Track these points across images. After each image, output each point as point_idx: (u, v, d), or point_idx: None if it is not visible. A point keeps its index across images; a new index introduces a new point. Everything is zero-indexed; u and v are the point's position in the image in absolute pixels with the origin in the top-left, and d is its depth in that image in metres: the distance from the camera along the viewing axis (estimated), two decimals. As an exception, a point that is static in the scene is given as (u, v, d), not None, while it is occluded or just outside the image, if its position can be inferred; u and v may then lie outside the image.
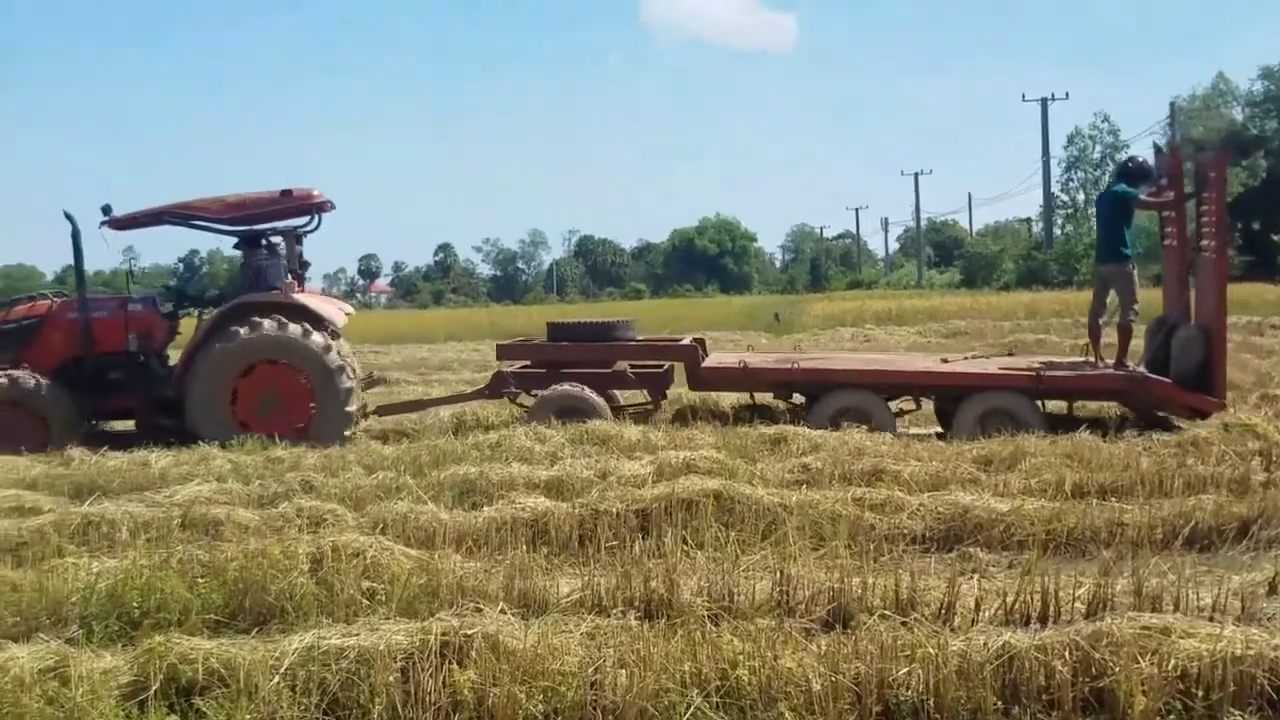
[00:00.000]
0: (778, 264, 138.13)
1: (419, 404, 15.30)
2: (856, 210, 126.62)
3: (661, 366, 14.37)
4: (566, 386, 13.30)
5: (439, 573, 6.56)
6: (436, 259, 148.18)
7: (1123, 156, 14.71)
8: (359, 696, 4.94)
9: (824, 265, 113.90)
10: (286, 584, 6.28)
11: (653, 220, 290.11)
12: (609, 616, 5.86)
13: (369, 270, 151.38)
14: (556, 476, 9.41)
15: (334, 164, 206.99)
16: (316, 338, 13.34)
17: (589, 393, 13.25)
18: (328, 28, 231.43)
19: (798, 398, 13.72)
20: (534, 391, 13.78)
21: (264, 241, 14.40)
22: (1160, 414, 12.88)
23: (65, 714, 4.59)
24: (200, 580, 6.46)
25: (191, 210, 14.21)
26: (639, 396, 14.36)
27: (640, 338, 15.03)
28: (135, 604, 6.18)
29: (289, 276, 14.14)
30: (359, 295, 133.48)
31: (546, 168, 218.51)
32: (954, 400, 12.83)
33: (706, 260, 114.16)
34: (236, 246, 14.60)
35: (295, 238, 14.85)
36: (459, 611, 5.58)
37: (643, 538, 7.52)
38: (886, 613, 5.71)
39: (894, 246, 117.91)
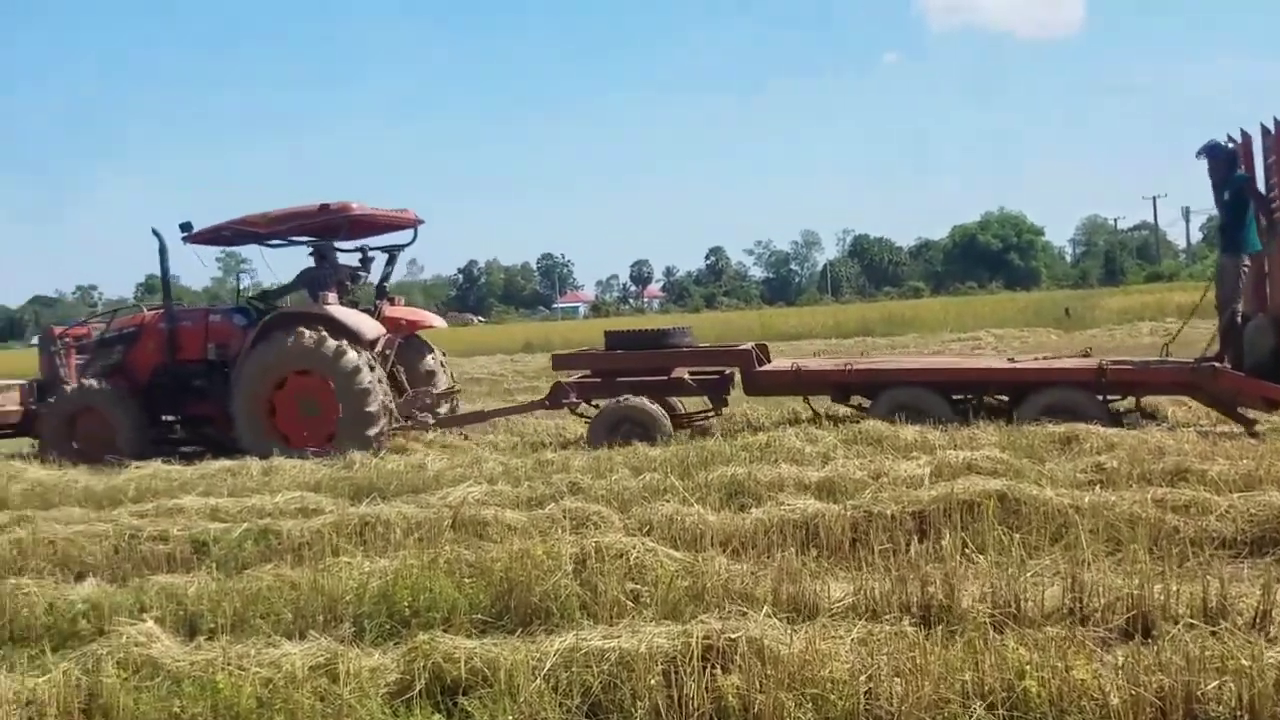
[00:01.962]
0: (1068, 258, 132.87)
1: (481, 415, 15.61)
2: (1154, 199, 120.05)
3: (720, 373, 14.20)
4: (628, 398, 13.42)
5: (704, 575, 6.47)
6: (708, 262, 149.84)
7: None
8: (620, 699, 4.88)
9: (1119, 258, 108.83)
10: (551, 585, 6.31)
11: (931, 217, 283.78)
12: (882, 622, 5.62)
13: (640, 276, 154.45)
14: (828, 477, 9.19)
15: (603, 170, 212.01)
16: (331, 343, 13.74)
17: (649, 404, 13.35)
18: (594, 33, 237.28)
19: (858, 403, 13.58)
20: (594, 402, 13.96)
21: (319, 254, 15.16)
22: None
23: (334, 711, 4.70)
24: (467, 580, 6.57)
25: (245, 225, 14.93)
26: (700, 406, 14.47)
27: (702, 345, 15.07)
28: (405, 603, 6.34)
29: (334, 290, 14.84)
30: (631, 301, 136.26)
31: (818, 167, 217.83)
32: (1016, 397, 12.72)
33: (990, 256, 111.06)
34: (311, 255, 15.33)
35: (389, 255, 15.96)
36: (724, 615, 5.47)
37: (919, 541, 7.23)
38: (1193, 621, 5.27)
39: (1196, 236, 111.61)
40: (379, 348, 14.76)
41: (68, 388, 14.82)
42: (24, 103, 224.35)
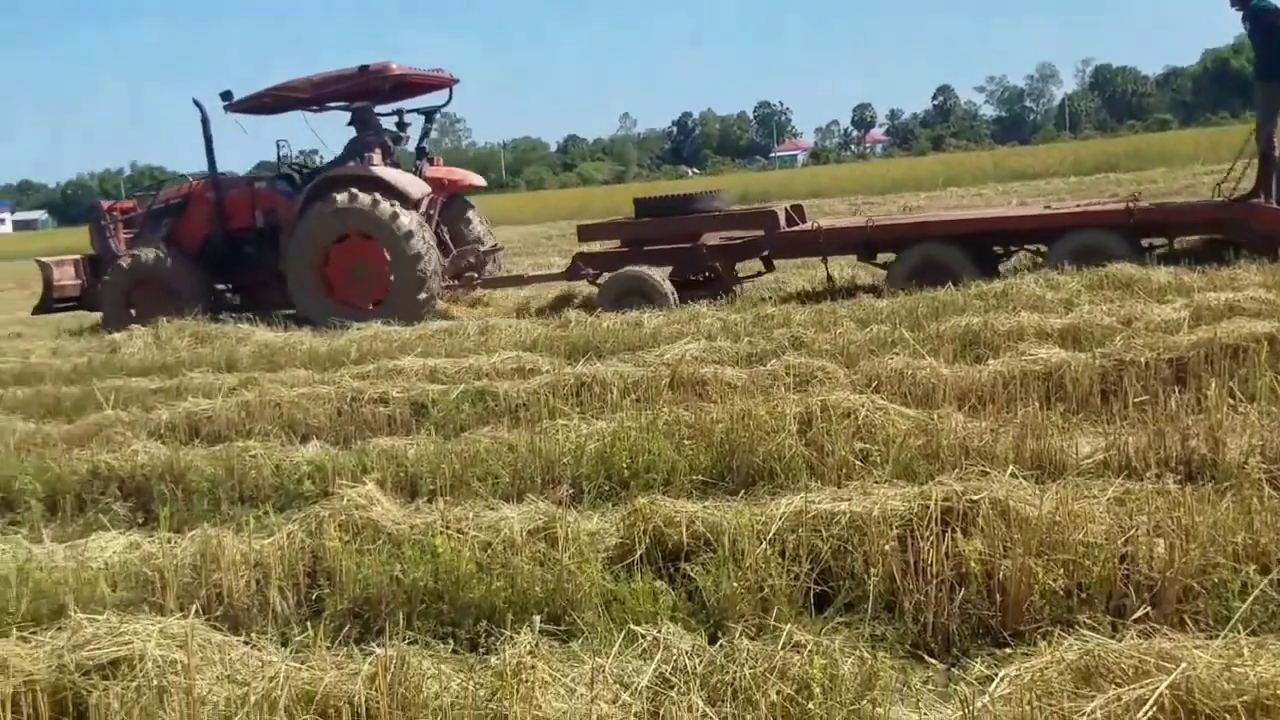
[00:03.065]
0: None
1: (519, 279, 15.70)
2: None
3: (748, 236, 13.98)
4: (630, 268, 13.46)
5: (939, 433, 6.21)
6: (935, 103, 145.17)
7: None
8: (852, 565, 4.70)
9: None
10: (774, 445, 6.15)
11: (1180, 42, 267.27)
12: (1140, 481, 5.27)
13: (863, 120, 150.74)
14: (1072, 324, 8.72)
15: (822, 10, 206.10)
16: (385, 207, 14.03)
17: (651, 272, 13.33)
18: None
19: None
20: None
21: (360, 118, 15.39)
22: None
23: (554, 576, 4.66)
24: (687, 441, 6.46)
25: (287, 90, 15.47)
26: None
27: (731, 208, 14.83)
28: (624, 465, 6.27)
29: (379, 151, 15.04)
30: (853, 147, 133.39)
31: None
32: (1047, 244, 12.47)
33: (1246, 83, 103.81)
34: (349, 124, 15.51)
35: (428, 116, 16.21)
36: (962, 475, 5.21)
37: (1179, 391, 6.75)
38: None
39: None
40: (424, 208, 15.10)
41: (124, 261, 15.60)
42: None
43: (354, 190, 14.24)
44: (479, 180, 17.40)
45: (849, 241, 13.53)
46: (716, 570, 4.67)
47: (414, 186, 14.80)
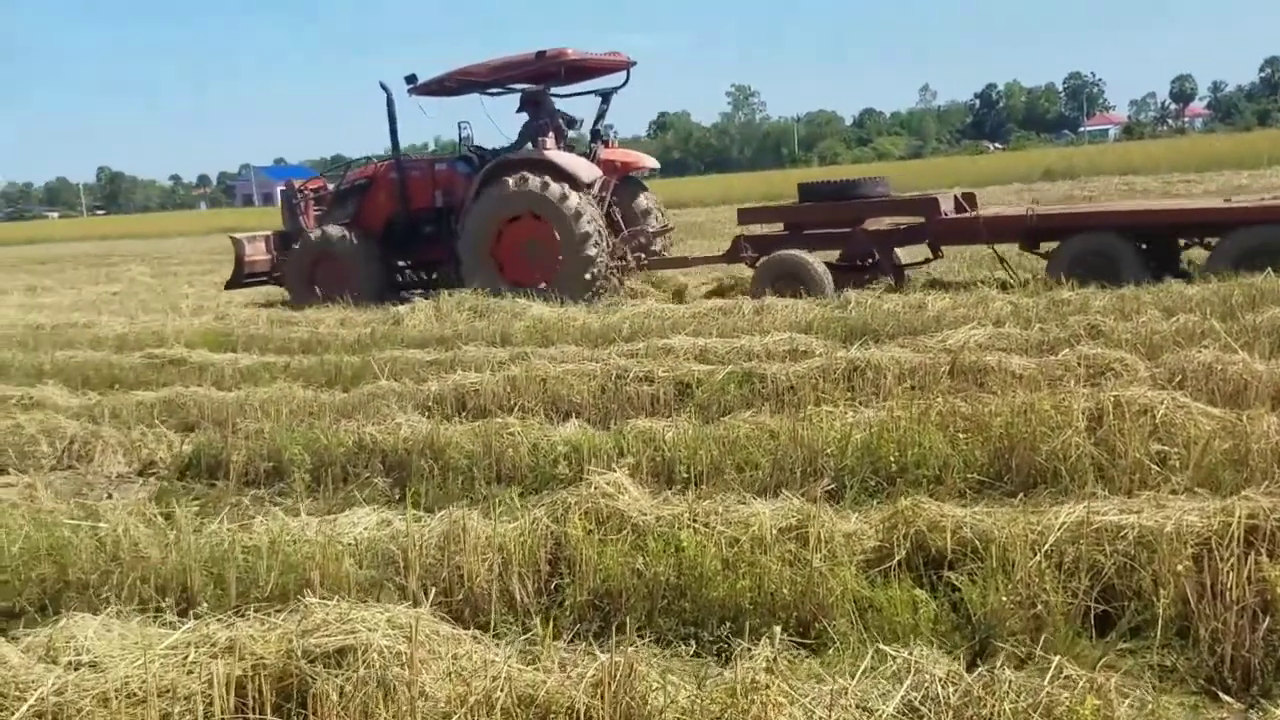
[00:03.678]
0: None
1: (685, 261, 15.72)
2: None
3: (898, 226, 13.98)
4: (785, 251, 13.54)
5: (1248, 436, 5.58)
6: (1262, 75, 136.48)
7: None
8: (1139, 584, 4.24)
9: None
10: (1059, 443, 5.68)
11: None
12: None
13: (1182, 93, 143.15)
14: None
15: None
16: (555, 188, 14.44)
17: (807, 256, 13.38)
18: None
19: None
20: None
21: (535, 101, 15.92)
22: None
23: (803, 579, 4.37)
24: (962, 435, 6.04)
25: (467, 75, 15.84)
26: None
27: (894, 195, 14.75)
28: (891, 458, 5.91)
29: (552, 135, 15.45)
30: (1170, 121, 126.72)
31: None
32: (1213, 239, 11.90)
33: None
34: (519, 110, 15.95)
35: (604, 98, 16.58)
36: (1273, 489, 4.63)
37: None
38: None
39: None
40: (595, 190, 15.42)
41: (309, 237, 16.35)
42: None
43: (525, 174, 14.71)
44: (652, 162, 17.57)
45: (1010, 230, 13.31)
46: (984, 582, 4.29)
47: (584, 170, 15.17)
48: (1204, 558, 4.17)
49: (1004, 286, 11.63)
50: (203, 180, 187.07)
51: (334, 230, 16.15)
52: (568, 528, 4.86)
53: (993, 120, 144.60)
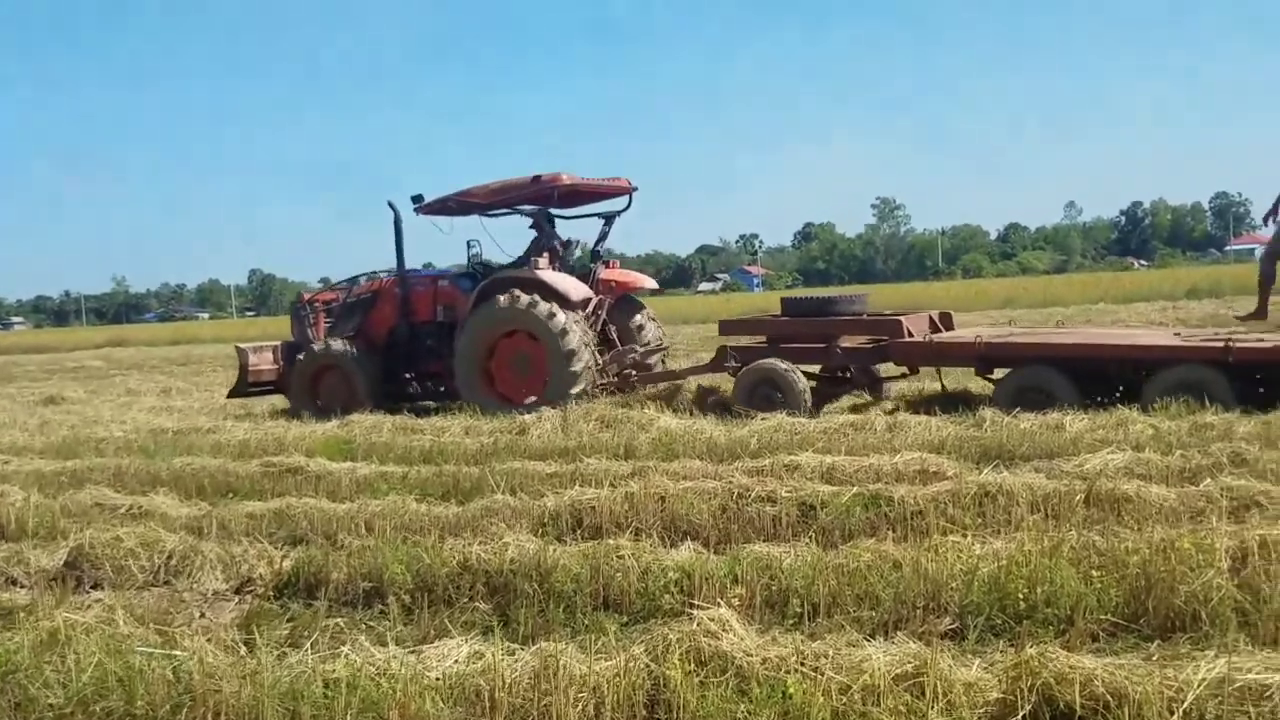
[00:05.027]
0: None
1: (673, 374, 16.08)
2: None
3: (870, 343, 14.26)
4: (766, 361, 13.94)
5: None
6: None
7: None
8: (1289, 754, 3.84)
9: None
10: (1199, 585, 5.28)
11: None
12: None
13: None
14: None
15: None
16: (542, 305, 14.95)
17: (782, 365, 13.75)
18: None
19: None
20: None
21: (536, 223, 16.44)
22: None
23: (916, 733, 4.05)
24: (1096, 573, 5.67)
25: (467, 197, 16.23)
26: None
27: (866, 314, 15.03)
28: (1019, 595, 5.56)
29: (547, 255, 15.94)
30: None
31: None
32: (1142, 374, 12.21)
33: None
34: (532, 227, 16.58)
35: (606, 220, 17.10)
36: None
37: None
38: None
39: None
40: (590, 308, 15.98)
41: (312, 349, 16.94)
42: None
43: (516, 291, 15.24)
44: (650, 283, 17.96)
45: (959, 355, 13.76)
46: (1117, 742, 3.93)
47: (574, 289, 15.64)
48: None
49: (1145, 408, 11.10)
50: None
51: (336, 343, 16.79)
52: (666, 669, 4.60)
53: (1137, 238, 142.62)
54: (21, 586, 7.59)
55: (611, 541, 6.93)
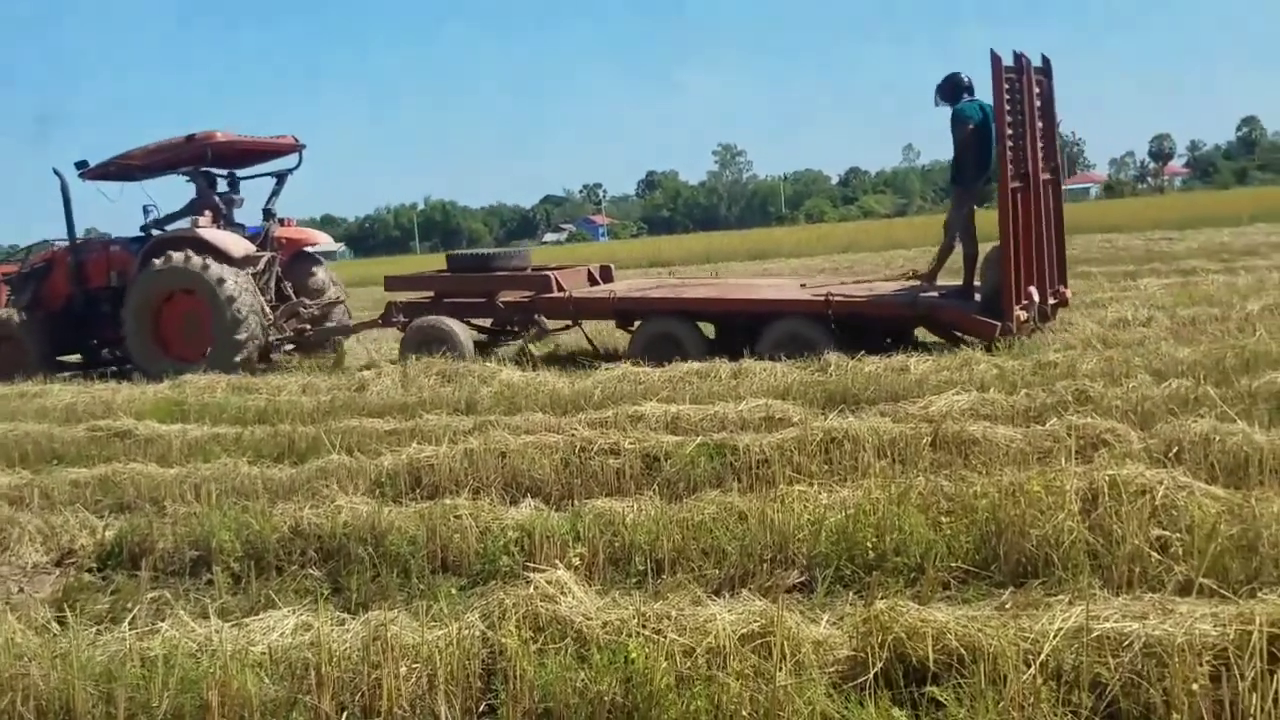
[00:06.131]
0: None
1: (344, 329, 16.46)
2: None
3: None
4: (430, 318, 14.34)
5: (1256, 520, 5.06)
6: (1239, 134, 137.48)
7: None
8: (1148, 702, 3.69)
9: None
10: (1050, 528, 5.15)
11: None
12: None
13: (1160, 152, 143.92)
14: None
15: (1115, 35, 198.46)
16: (199, 261, 14.89)
17: (449, 322, 14.22)
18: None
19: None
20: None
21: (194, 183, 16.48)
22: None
23: (765, 699, 3.81)
24: (945, 519, 5.51)
25: (126, 160, 16.13)
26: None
27: (521, 269, 15.54)
28: (869, 544, 5.37)
29: (209, 213, 16.07)
30: (1150, 180, 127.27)
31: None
32: (756, 327, 12.67)
33: None
34: (188, 183, 16.59)
35: (278, 178, 17.12)
36: (1292, 584, 4.10)
37: None
38: None
39: None
40: (260, 266, 15.98)
41: None
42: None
43: (174, 251, 15.14)
44: (324, 239, 18.11)
45: (597, 310, 14.29)
46: (972, 701, 3.74)
47: (235, 245, 15.58)
48: (1221, 674, 3.64)
49: (989, 349, 11.11)
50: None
51: (5, 313, 16.63)
52: (503, 636, 4.29)
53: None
54: None
55: (450, 501, 6.60)
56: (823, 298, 12.61)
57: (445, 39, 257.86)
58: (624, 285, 15.82)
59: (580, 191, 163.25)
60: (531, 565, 5.29)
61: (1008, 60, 11.74)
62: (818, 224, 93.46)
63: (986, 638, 3.97)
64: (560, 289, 14.25)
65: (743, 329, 12.81)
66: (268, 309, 15.72)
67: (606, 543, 5.80)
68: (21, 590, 6.32)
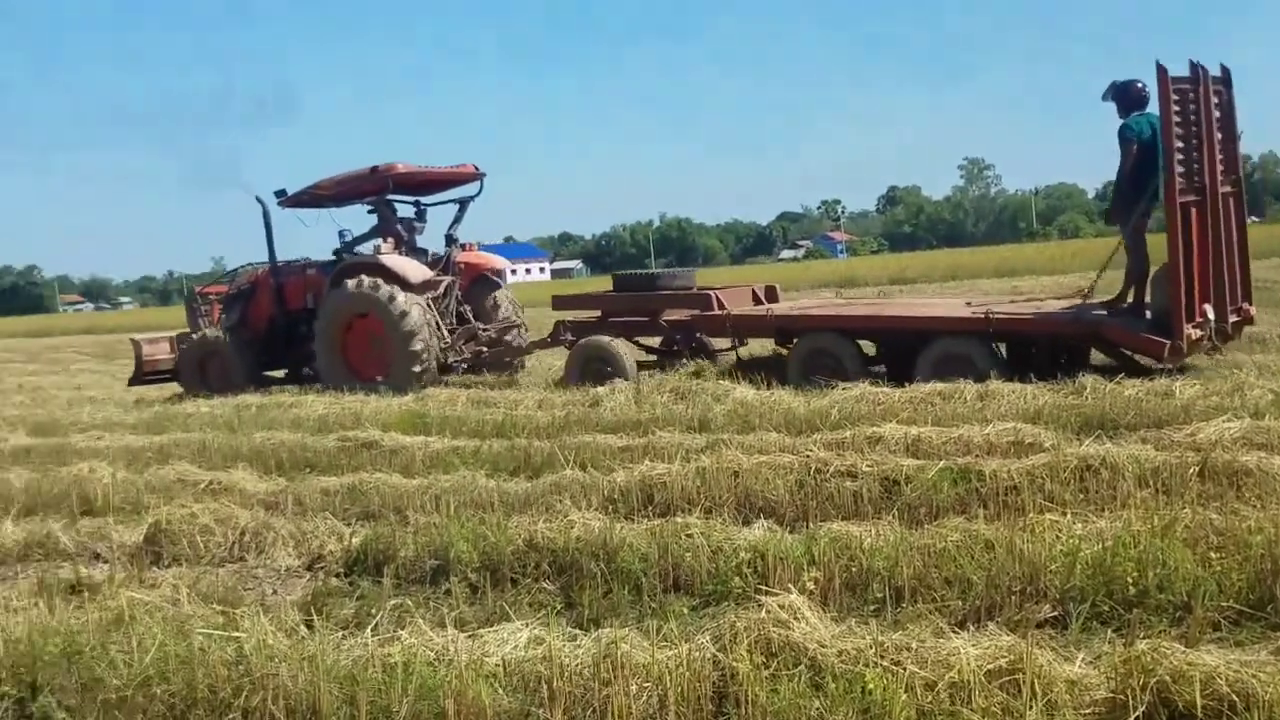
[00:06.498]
0: None
1: (520, 350, 16.91)
2: None
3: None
4: (592, 337, 14.66)
5: None
6: None
7: None
8: None
9: None
10: (1336, 570, 4.72)
11: None
12: None
13: None
14: None
15: None
16: (384, 290, 15.50)
17: (614, 344, 14.45)
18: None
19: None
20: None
21: (379, 211, 17.21)
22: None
23: (1014, 738, 3.58)
24: (1214, 555, 5.13)
25: (317, 190, 16.94)
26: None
27: (684, 289, 15.48)
28: (1129, 580, 5.03)
29: (390, 240, 16.84)
30: None
31: None
32: (916, 345, 12.47)
33: None
34: (370, 212, 17.44)
35: (460, 206, 17.76)
36: None
37: None
38: None
39: None
40: (440, 290, 16.63)
41: (193, 338, 18.13)
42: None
43: (360, 277, 15.87)
44: (502, 263, 18.69)
45: (756, 327, 14.31)
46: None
47: (413, 270, 16.21)
48: None
49: (1262, 371, 10.44)
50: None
51: (213, 332, 17.84)
52: (734, 660, 4.17)
53: (1251, 192, 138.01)
54: (104, 561, 7.55)
55: (681, 519, 6.51)
56: (983, 315, 12.34)
57: (682, 58, 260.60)
58: (785, 305, 15.74)
59: (818, 208, 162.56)
60: (764, 588, 5.16)
61: (1183, 70, 11.21)
62: (1072, 239, 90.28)
63: (1261, 684, 3.65)
64: (721, 307, 14.25)
65: (903, 347, 12.65)
66: (445, 331, 16.37)
67: (842, 568, 5.60)
68: (275, 593, 6.57)
